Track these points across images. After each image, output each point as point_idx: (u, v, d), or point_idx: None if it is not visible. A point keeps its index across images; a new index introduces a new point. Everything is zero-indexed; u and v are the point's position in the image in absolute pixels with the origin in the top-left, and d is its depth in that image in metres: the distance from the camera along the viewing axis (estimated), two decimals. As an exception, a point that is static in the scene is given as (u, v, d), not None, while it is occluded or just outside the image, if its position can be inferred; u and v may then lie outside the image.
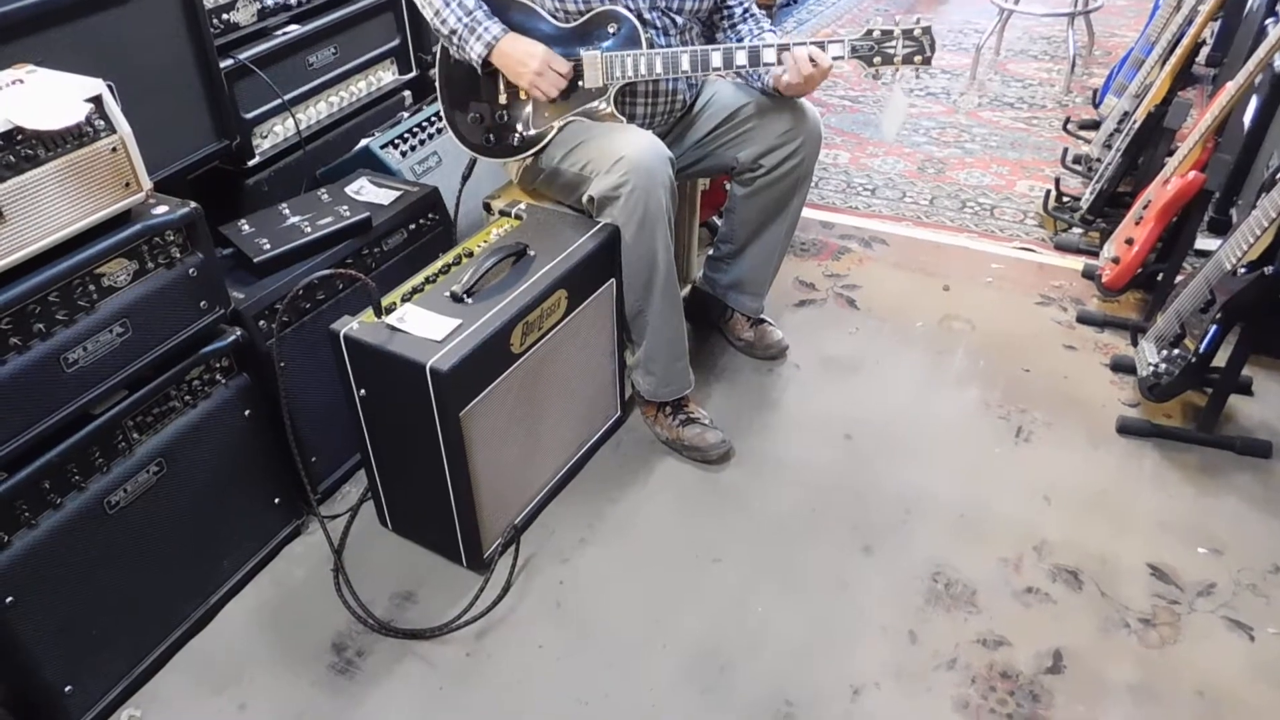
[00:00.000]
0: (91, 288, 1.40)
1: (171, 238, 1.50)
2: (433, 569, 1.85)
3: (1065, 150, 3.08)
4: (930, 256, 2.80)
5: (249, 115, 2.08)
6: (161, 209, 1.48)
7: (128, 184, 1.42)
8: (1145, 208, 2.36)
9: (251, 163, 2.11)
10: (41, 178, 1.31)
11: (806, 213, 2.97)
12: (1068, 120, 3.33)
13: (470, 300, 1.71)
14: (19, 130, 1.28)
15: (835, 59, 1.87)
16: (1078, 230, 2.79)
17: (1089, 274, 2.61)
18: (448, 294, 1.72)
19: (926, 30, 1.86)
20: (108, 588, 1.51)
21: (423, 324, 1.65)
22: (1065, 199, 2.90)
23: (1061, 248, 2.77)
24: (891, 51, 1.87)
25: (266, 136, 2.15)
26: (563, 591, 1.81)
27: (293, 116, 2.16)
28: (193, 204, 1.51)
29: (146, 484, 1.53)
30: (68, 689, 1.49)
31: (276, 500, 1.82)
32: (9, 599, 1.36)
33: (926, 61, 1.88)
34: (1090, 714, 1.58)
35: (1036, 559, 1.86)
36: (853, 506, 1.98)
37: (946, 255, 2.80)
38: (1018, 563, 1.85)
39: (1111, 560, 1.84)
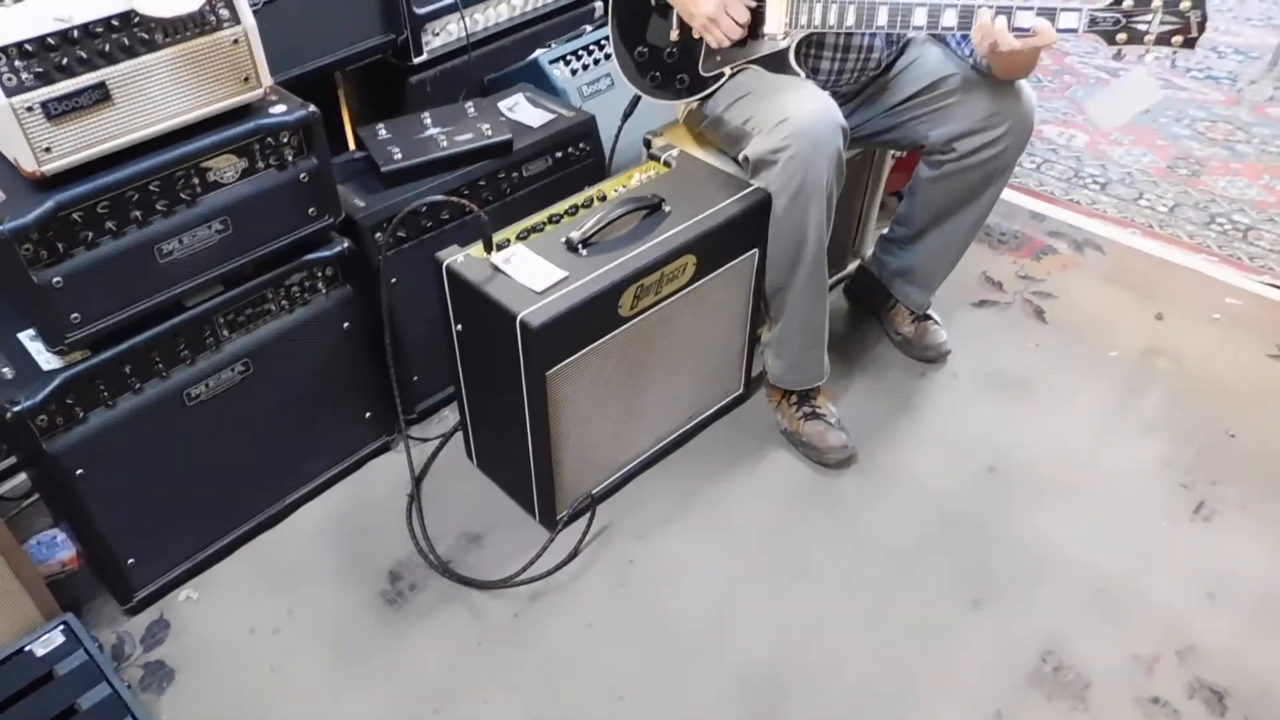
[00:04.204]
0: (195, 181, 1.38)
1: (286, 139, 1.45)
2: (506, 515, 1.79)
3: (1360, 174, 2.54)
4: (1150, 274, 2.40)
5: (422, 10, 1.99)
6: (280, 108, 1.43)
7: (246, 79, 1.37)
8: None
9: (417, 60, 2.04)
10: (155, 63, 1.28)
11: (1017, 199, 2.65)
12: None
13: (585, 251, 1.59)
14: (135, 14, 1.24)
15: (1065, 31, 1.55)
16: (1348, 276, 2.31)
17: (1347, 334, 2.16)
18: (564, 240, 1.60)
19: (1199, 2, 1.46)
20: (180, 475, 1.54)
21: (528, 269, 1.54)
22: (1343, 235, 2.39)
23: (1321, 294, 2.30)
24: (1143, 26, 1.51)
25: (439, 34, 2.06)
26: (631, 571, 1.71)
27: (464, 18, 2.05)
28: (311, 107, 1.45)
29: (230, 381, 1.53)
30: (130, 561, 1.54)
31: (368, 414, 1.80)
32: (79, 471, 1.40)
33: (1189, 44, 1.49)
34: None
35: (1177, 664, 1.57)
36: (974, 549, 1.75)
37: (1171, 276, 2.39)
38: (1152, 663, 1.57)
39: (1272, 690, 1.53)
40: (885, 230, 2.14)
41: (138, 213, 1.33)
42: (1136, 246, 2.49)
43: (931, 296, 2.11)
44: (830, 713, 1.50)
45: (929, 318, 2.14)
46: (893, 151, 2.19)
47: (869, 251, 2.24)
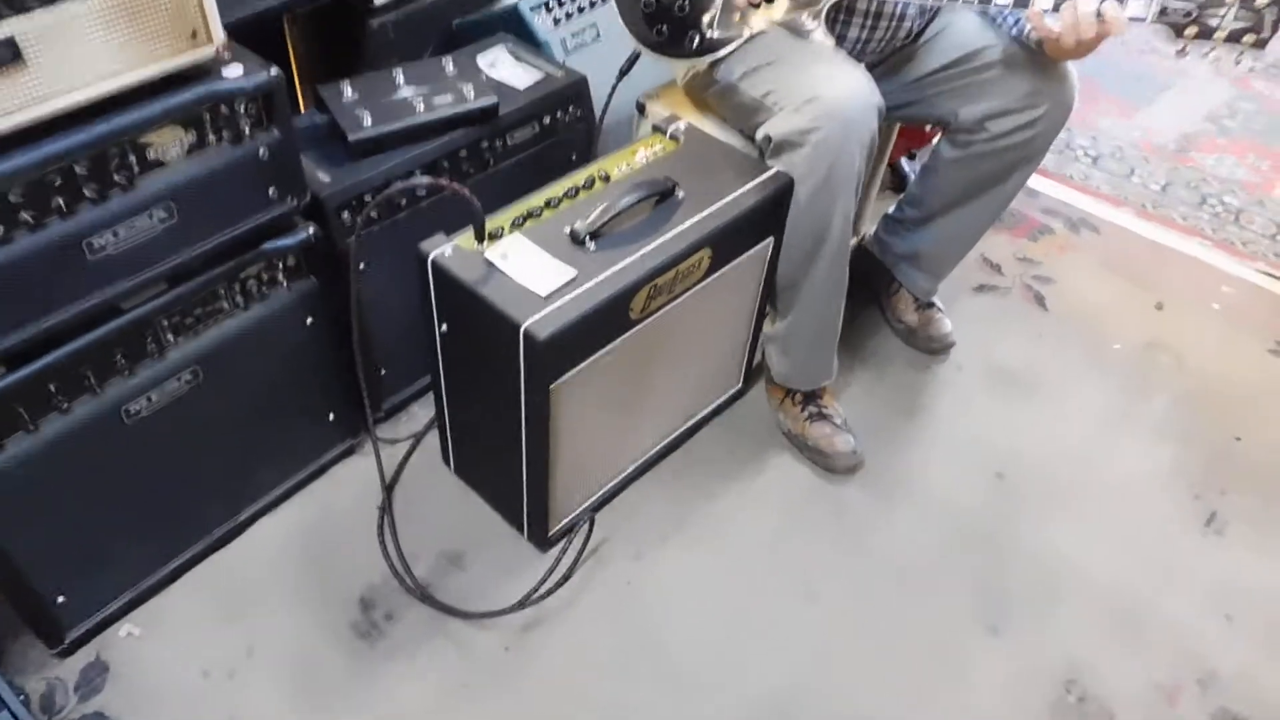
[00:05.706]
0: (132, 160, 1.12)
1: (243, 108, 1.20)
2: (490, 530, 1.61)
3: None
4: (1147, 260, 2.31)
5: (383, -59, 1.72)
6: (235, 70, 1.17)
7: (194, 34, 1.11)
8: None
9: (378, 1, 1.77)
10: (80, 15, 1.01)
11: (1012, 174, 2.51)
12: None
13: (593, 245, 1.38)
14: (56, -49, 0.97)
15: (1134, 20, 1.39)
16: (1345, 268, 2.25)
17: (1348, 330, 2.11)
18: (568, 230, 1.40)
19: (1275, 1, 1.31)
20: (117, 501, 1.31)
21: (528, 267, 1.34)
22: (1339, 223, 2.34)
23: (1319, 284, 2.25)
24: (1215, 21, 1.35)
25: (402, -30, 1.80)
26: (629, 594, 1.55)
27: (433, -48, 1.78)
28: (274, 69, 1.20)
29: (176, 393, 1.30)
30: (59, 600, 1.31)
31: (331, 416, 1.58)
32: (-5, 506, 1.16)
33: (1260, 44, 1.33)
34: None
35: (1199, 694, 1.50)
36: (988, 566, 1.64)
37: (1168, 262, 2.31)
38: (1174, 692, 1.50)
39: (1298, 720, 1.48)
40: (891, 209, 1.98)
41: (61, 200, 1.07)
42: (1132, 228, 2.40)
43: (939, 284, 1.97)
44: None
45: (933, 305, 2.01)
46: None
47: (867, 228, 2.08)
